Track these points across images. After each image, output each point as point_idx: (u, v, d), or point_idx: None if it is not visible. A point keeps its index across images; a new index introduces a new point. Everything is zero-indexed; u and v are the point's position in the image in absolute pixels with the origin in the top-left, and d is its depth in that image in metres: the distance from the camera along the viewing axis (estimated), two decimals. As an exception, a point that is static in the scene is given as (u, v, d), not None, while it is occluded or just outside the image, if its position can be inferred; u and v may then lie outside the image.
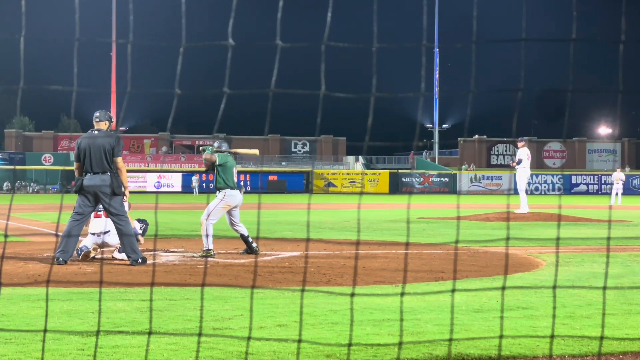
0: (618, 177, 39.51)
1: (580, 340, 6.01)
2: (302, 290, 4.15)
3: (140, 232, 12.66)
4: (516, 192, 24.94)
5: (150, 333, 4.91)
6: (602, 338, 5.71)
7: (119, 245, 11.81)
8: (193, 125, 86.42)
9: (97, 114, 11.41)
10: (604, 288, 4.70)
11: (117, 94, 79.72)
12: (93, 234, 11.73)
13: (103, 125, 11.42)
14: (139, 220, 12.78)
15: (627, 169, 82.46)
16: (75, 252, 11.37)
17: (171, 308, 7.38)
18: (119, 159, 11.22)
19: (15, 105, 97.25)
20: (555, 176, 71.29)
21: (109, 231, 11.65)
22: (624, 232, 18.66)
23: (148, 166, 75.98)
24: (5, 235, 5.08)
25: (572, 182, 72.55)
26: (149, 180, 64.92)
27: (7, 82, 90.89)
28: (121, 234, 11.14)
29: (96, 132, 11.33)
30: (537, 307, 7.56)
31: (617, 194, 38.41)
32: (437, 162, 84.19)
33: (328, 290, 8.45)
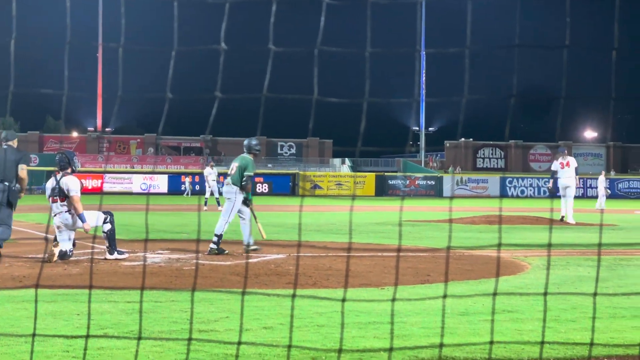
0: (603, 181, 39.81)
1: (566, 344, 6.03)
2: (293, 296, 4.14)
3: (94, 224, 12.19)
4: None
5: (139, 338, 4.89)
6: (592, 344, 5.74)
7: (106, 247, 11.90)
8: (179, 126, 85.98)
9: (3, 134, 12.26)
10: (595, 294, 4.71)
11: (104, 96, 79.47)
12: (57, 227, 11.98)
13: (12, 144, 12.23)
14: (104, 212, 12.31)
15: (612, 172, 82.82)
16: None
17: (157, 310, 7.36)
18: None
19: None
20: (541, 179, 71.50)
21: (56, 215, 11.95)
22: (609, 235, 18.75)
23: (134, 167, 75.67)
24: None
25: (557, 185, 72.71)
26: (135, 181, 64.68)
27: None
28: None
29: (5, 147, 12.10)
30: (522, 310, 7.58)
31: (603, 196, 38.69)
32: (422, 165, 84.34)
33: (314, 295, 8.45)
